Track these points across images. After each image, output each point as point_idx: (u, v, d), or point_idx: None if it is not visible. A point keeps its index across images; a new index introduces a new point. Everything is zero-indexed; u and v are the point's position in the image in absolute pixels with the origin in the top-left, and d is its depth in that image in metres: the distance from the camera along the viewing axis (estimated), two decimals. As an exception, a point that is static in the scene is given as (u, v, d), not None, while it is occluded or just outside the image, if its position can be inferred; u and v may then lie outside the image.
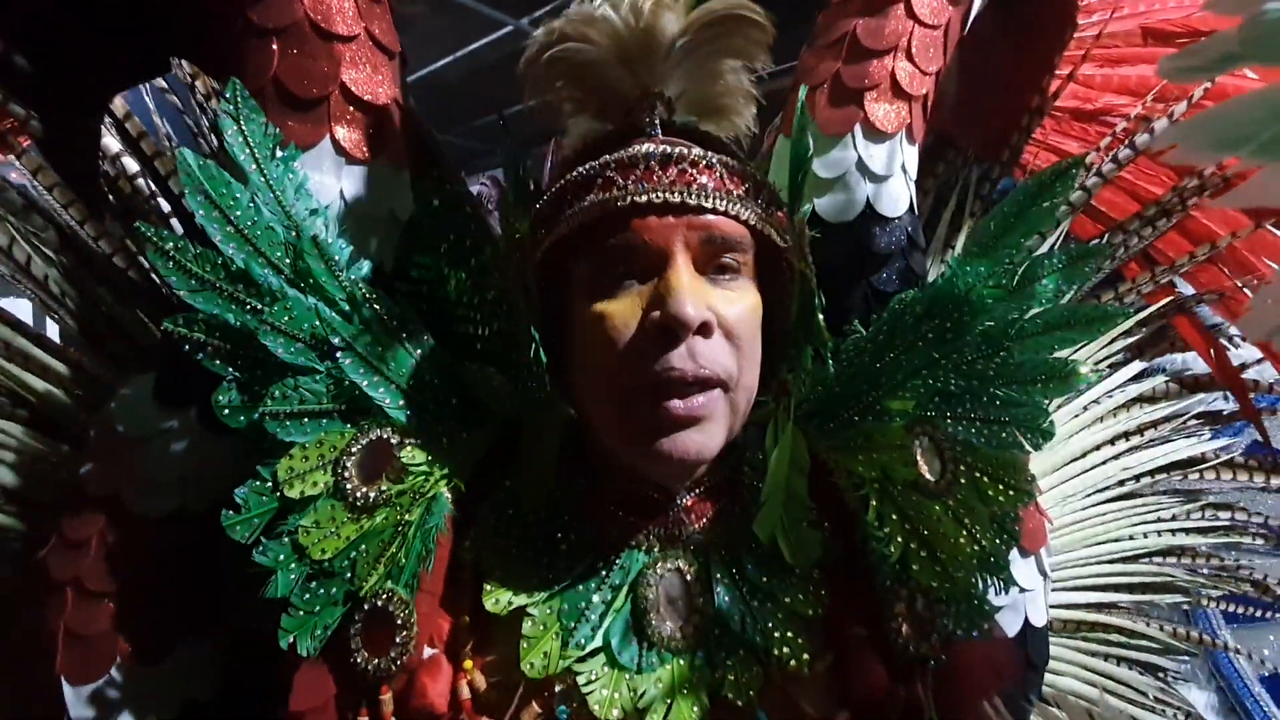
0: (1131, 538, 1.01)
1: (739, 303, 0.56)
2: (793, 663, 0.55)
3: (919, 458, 0.59)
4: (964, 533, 0.58)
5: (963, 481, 0.60)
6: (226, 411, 0.56)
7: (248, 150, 0.59)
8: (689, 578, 0.57)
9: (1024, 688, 0.74)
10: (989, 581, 0.60)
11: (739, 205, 0.56)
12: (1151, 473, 1.00)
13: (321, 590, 0.53)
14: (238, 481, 0.55)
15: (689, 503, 0.61)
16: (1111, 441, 0.99)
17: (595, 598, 0.56)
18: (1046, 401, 0.64)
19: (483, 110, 3.53)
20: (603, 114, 0.64)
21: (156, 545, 0.62)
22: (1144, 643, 1.04)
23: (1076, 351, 0.94)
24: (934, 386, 0.63)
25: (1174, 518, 1.00)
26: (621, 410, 0.55)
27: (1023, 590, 0.73)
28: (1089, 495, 1.00)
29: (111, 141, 0.76)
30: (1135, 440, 0.99)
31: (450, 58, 3.48)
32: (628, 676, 0.54)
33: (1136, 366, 1.00)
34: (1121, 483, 1.00)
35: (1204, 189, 0.86)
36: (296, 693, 0.52)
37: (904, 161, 0.77)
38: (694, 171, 0.55)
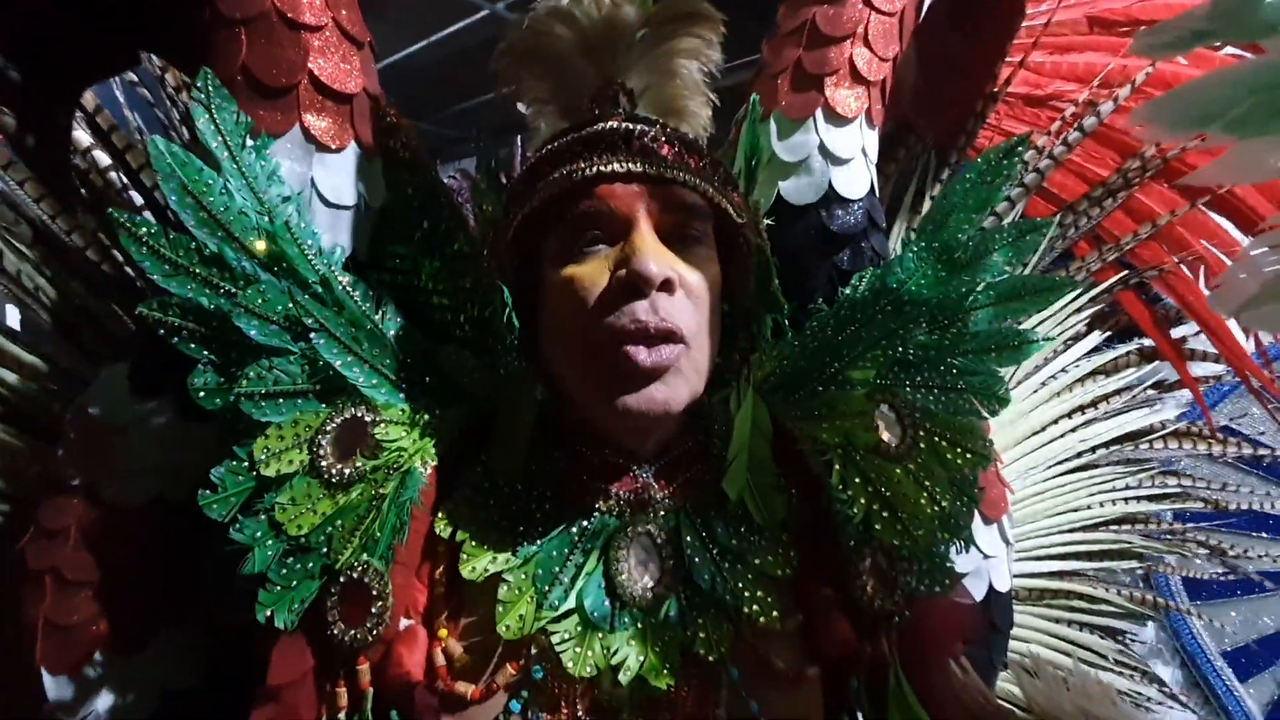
0: (1089, 507, 1.05)
1: (700, 268, 0.60)
2: (762, 620, 0.57)
3: (879, 423, 0.62)
4: (924, 494, 0.61)
5: (922, 446, 0.63)
6: (202, 394, 0.57)
7: (220, 138, 0.60)
8: (659, 540, 0.59)
9: (989, 650, 0.77)
10: (950, 541, 0.62)
11: (697, 177, 0.59)
12: (1107, 444, 1.04)
13: (298, 565, 0.54)
14: (214, 467, 0.56)
15: (658, 470, 0.63)
16: (1069, 415, 1.03)
17: (568, 561, 0.58)
18: (1001, 370, 0.68)
19: (457, 97, 3.45)
20: (569, 110, 0.67)
21: (135, 533, 0.62)
22: (1105, 608, 1.08)
23: (1038, 325, 0.98)
24: (893, 356, 0.65)
25: (1127, 486, 1.04)
26: (589, 365, 0.57)
27: (986, 556, 0.77)
28: (1050, 467, 1.04)
29: (82, 135, 0.77)
30: (1092, 413, 1.03)
31: (424, 42, 3.39)
32: (600, 635, 0.55)
33: (1095, 339, 1.04)
34: (1080, 454, 1.04)
35: (1146, 170, 0.90)
36: (274, 666, 0.53)
37: (864, 145, 0.80)
38: (655, 145, 0.58)
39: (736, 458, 0.59)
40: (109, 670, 0.61)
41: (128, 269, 0.78)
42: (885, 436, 0.62)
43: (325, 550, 0.54)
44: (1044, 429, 1.03)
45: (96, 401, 0.64)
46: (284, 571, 0.54)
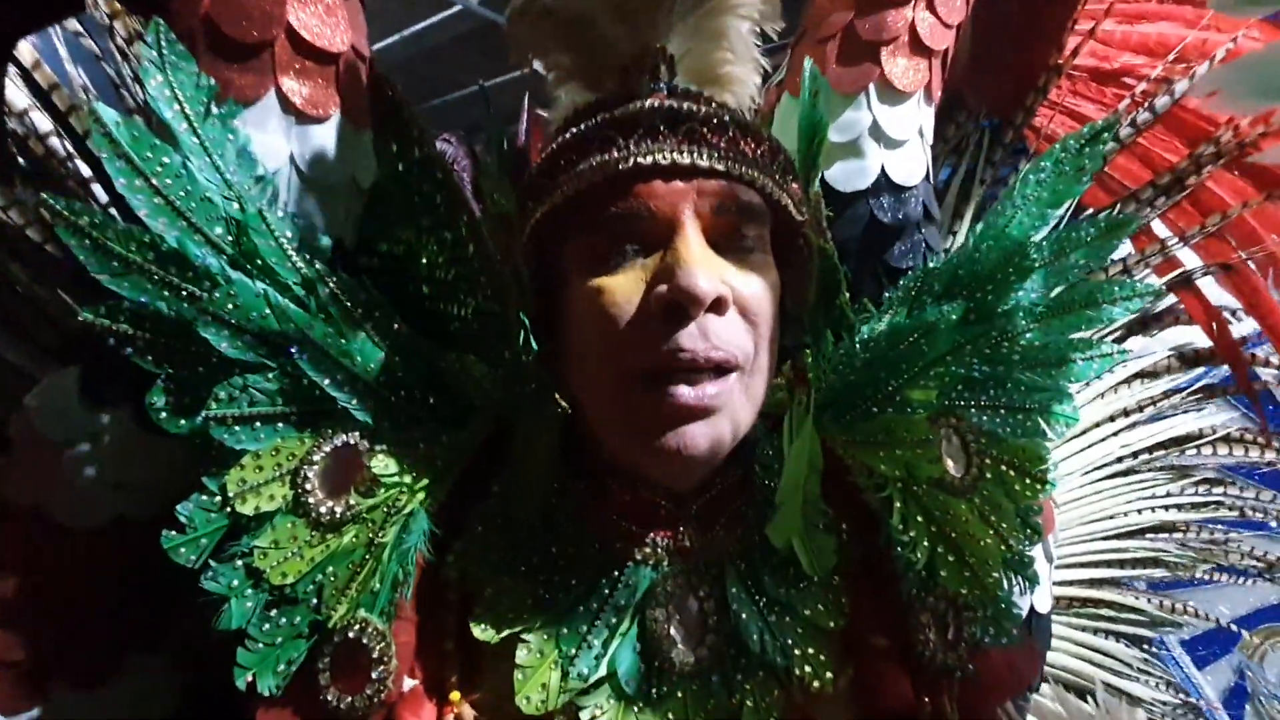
0: (1127, 514, 1.00)
1: (756, 279, 0.50)
2: (816, 683, 0.50)
3: (944, 454, 0.54)
4: (991, 532, 0.54)
5: (988, 476, 0.56)
6: (163, 415, 0.49)
7: (176, 106, 0.51)
8: (701, 594, 0.52)
9: None
10: (1015, 581, 0.56)
11: (754, 169, 0.50)
12: (1150, 449, 0.99)
13: (284, 620, 0.47)
14: (185, 485, 0.48)
15: (699, 509, 0.55)
16: (1111, 418, 0.97)
17: (598, 621, 0.51)
18: (1069, 385, 0.61)
19: (430, 93, 3.28)
20: (596, 80, 0.57)
21: (93, 558, 0.56)
22: (1130, 616, 1.04)
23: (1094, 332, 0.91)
24: (957, 373, 0.58)
25: (1168, 494, 0.99)
26: (621, 400, 0.49)
27: (1031, 577, 0.71)
28: (1087, 473, 0.99)
29: (18, 95, 0.65)
30: (1135, 416, 0.97)
31: (395, 37, 3.24)
32: (636, 709, 0.49)
33: (1138, 341, 0.97)
34: (1120, 459, 0.98)
35: (1221, 155, 0.82)
36: None
37: (921, 124, 0.71)
38: (704, 130, 0.49)
39: (787, 502, 0.51)
40: (70, 708, 0.55)
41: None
42: (950, 468, 0.54)
43: (315, 603, 0.47)
44: (1083, 432, 0.97)
45: (43, 411, 0.56)
46: (267, 627, 0.47)
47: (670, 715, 0.49)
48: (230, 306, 0.49)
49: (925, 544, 0.53)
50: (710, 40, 0.56)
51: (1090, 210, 0.84)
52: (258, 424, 0.49)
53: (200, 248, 0.50)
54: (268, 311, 0.50)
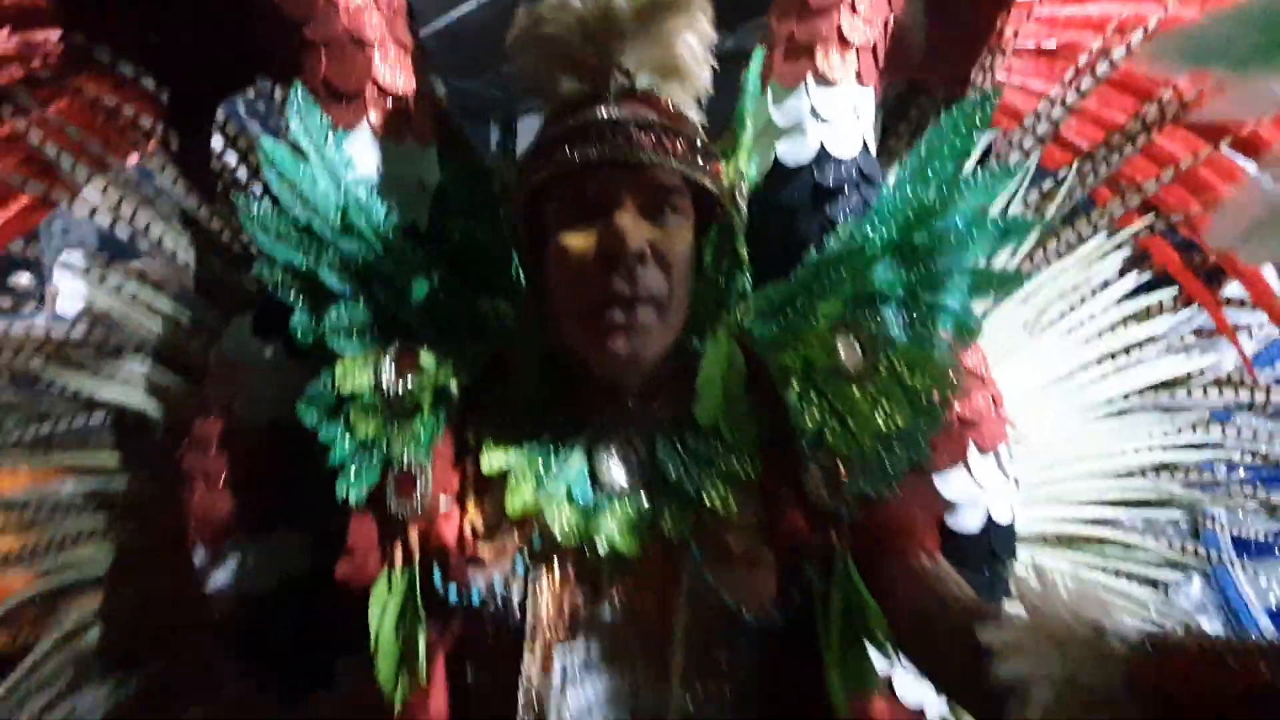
0: (1124, 454, 1.05)
1: (673, 238, 0.69)
2: (720, 507, 0.68)
3: (840, 348, 0.71)
4: (880, 411, 0.70)
5: (882, 370, 0.71)
6: (300, 332, 0.76)
7: (308, 137, 0.79)
8: (636, 445, 0.72)
9: (991, 576, 0.83)
10: (907, 453, 0.70)
11: (673, 159, 0.68)
12: (1141, 391, 1.04)
13: (364, 459, 0.71)
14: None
15: (640, 390, 0.74)
16: (1099, 361, 1.04)
17: (561, 459, 0.72)
18: (976, 304, 0.74)
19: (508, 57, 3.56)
20: (565, 84, 0.77)
21: (259, 446, 0.82)
22: (1144, 557, 1.08)
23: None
24: (859, 291, 0.74)
25: (1165, 435, 1.04)
26: (582, 321, 0.70)
27: (981, 487, 0.82)
28: (1084, 412, 1.05)
29: (219, 140, 0.99)
30: (1124, 359, 1.03)
31: (474, 4, 3.42)
32: (586, 514, 0.69)
33: (1127, 284, 1.04)
34: (1112, 400, 1.04)
35: (1164, 114, 0.90)
36: (352, 533, 0.71)
37: (854, 105, 0.87)
38: (637, 133, 0.68)
39: (704, 390, 0.70)
40: (241, 549, 0.81)
41: (251, 246, 0.99)
42: (844, 360, 0.71)
43: (385, 447, 0.71)
44: (1072, 374, 1.04)
45: (230, 343, 0.85)
46: (356, 464, 0.71)
47: (610, 518, 0.69)
48: (339, 260, 0.76)
49: (816, 414, 0.70)
50: (663, 46, 0.74)
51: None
52: (353, 335, 0.75)
53: (320, 225, 0.77)
54: (361, 264, 0.76)
